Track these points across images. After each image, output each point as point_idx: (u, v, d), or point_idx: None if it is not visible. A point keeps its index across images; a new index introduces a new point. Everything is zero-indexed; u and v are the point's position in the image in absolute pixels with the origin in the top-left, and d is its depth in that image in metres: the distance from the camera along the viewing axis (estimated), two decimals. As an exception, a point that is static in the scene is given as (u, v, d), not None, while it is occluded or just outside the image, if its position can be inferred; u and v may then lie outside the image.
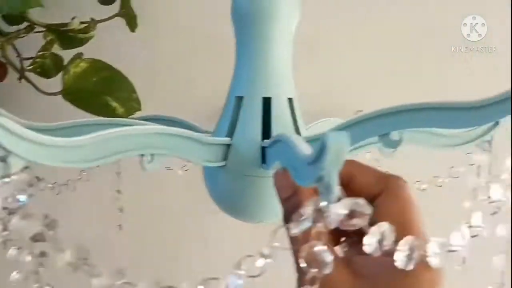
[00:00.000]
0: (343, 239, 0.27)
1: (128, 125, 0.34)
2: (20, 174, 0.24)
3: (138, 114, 0.54)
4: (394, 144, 0.35)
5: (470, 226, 0.26)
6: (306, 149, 0.24)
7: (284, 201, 0.29)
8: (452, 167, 0.48)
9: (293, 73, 0.42)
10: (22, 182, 0.23)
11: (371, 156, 0.55)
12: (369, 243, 0.21)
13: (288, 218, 0.27)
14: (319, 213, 0.20)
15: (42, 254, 0.25)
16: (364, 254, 0.23)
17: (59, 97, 0.51)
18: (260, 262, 0.21)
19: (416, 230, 0.26)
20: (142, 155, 0.31)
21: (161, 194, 0.68)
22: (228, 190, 0.39)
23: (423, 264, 0.23)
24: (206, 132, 0.44)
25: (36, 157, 0.24)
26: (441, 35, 0.60)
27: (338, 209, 0.20)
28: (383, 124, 0.34)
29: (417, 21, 0.60)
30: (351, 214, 0.20)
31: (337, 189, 0.21)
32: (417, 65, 0.61)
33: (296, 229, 0.20)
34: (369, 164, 0.31)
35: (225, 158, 0.38)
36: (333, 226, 0.20)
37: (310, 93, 0.62)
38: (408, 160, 0.61)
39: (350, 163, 0.27)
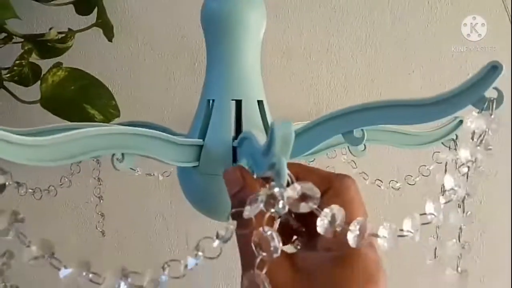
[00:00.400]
0: (294, 237, 0.29)
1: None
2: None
3: (116, 120, 0.55)
4: (358, 141, 0.37)
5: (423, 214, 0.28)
6: (263, 141, 0.26)
7: (233, 196, 0.30)
8: (423, 165, 0.51)
9: (268, 78, 0.44)
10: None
11: (348, 157, 0.57)
12: (321, 224, 0.22)
13: (235, 214, 0.28)
14: (272, 198, 0.21)
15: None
16: (310, 249, 0.25)
17: (37, 106, 0.52)
18: (216, 244, 0.23)
19: None
20: (113, 154, 0.32)
21: (142, 199, 0.69)
22: (201, 189, 0.41)
23: (361, 255, 0.25)
24: (181, 135, 0.46)
25: (4, 155, 0.25)
26: (411, 42, 0.63)
27: (290, 193, 0.21)
28: (345, 122, 0.36)
29: (388, 28, 0.63)
30: (302, 198, 0.21)
31: (286, 174, 0.22)
32: (388, 72, 0.64)
33: (248, 213, 0.22)
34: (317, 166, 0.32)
35: (197, 158, 0.39)
36: (285, 210, 0.22)
37: (285, 98, 0.64)
38: (383, 161, 0.64)
39: (295, 166, 0.28)
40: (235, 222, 0.23)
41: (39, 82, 0.52)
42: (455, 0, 0.62)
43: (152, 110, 0.67)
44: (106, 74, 0.66)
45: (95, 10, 0.57)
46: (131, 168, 0.59)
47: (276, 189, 0.21)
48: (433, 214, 0.29)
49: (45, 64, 0.55)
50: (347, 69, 0.64)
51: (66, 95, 0.53)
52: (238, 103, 0.41)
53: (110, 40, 0.57)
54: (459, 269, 0.43)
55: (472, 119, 0.32)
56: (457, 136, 0.48)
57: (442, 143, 0.48)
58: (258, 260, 0.21)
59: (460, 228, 0.42)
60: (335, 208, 0.23)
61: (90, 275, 0.22)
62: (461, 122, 0.47)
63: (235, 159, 0.39)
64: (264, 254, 0.21)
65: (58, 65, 0.54)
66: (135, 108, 0.66)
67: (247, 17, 0.41)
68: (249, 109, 0.41)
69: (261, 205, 0.21)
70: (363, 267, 0.25)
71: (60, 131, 0.40)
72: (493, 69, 0.30)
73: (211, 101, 0.41)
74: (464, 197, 0.36)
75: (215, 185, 0.40)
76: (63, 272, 0.22)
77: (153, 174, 0.62)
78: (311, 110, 0.64)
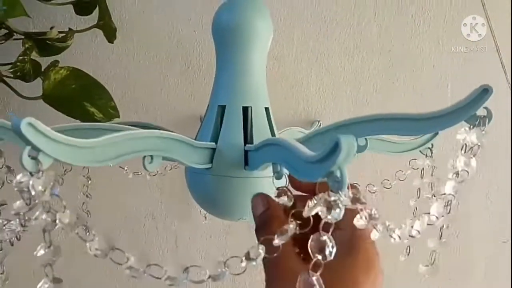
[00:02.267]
0: None
1: (118, 130, 0.38)
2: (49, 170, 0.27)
3: (116, 120, 0.57)
4: (362, 149, 0.41)
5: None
6: (306, 150, 0.29)
7: (258, 216, 0.35)
8: (399, 171, 0.55)
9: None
10: (51, 177, 0.26)
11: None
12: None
13: (259, 230, 0.34)
14: (330, 204, 0.25)
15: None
16: None
17: (32, 102, 0.53)
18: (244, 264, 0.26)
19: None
20: (145, 156, 0.34)
21: (132, 198, 0.71)
22: (213, 190, 0.43)
23: (364, 248, 0.30)
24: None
25: (61, 156, 0.27)
26: (395, 52, 0.68)
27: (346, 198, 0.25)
28: (353, 131, 0.40)
29: (374, 39, 0.67)
30: (354, 201, 0.25)
31: (347, 183, 0.25)
32: (374, 79, 0.68)
33: (278, 242, 0.25)
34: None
35: (210, 161, 0.42)
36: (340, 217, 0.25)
37: (276, 103, 0.67)
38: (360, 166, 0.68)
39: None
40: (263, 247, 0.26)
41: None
42: (437, 15, 0.67)
43: (145, 111, 0.68)
44: (101, 74, 0.66)
45: (94, 11, 0.58)
46: (120, 167, 0.61)
47: (335, 196, 0.24)
48: (435, 216, 0.33)
49: (41, 62, 0.56)
50: (335, 76, 0.68)
51: (67, 93, 0.54)
52: (245, 109, 0.44)
53: (111, 42, 0.59)
54: (433, 262, 0.47)
55: (464, 133, 0.36)
56: (432, 145, 0.52)
57: (420, 151, 0.52)
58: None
59: (442, 227, 0.47)
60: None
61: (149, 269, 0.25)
62: (437, 133, 0.52)
63: (246, 162, 0.42)
64: (320, 257, 0.24)
65: (55, 63, 0.55)
66: (129, 108, 0.67)
67: (256, 28, 0.44)
68: (257, 116, 0.44)
69: (322, 210, 0.24)
70: (366, 257, 0.31)
71: (84, 130, 0.42)
72: (484, 91, 0.34)
73: (221, 107, 0.44)
74: (450, 200, 0.41)
75: (226, 186, 0.42)
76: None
77: (141, 173, 0.64)
78: (301, 114, 0.68)
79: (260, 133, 0.43)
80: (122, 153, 0.32)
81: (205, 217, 0.67)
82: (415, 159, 0.53)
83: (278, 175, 0.35)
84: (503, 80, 0.65)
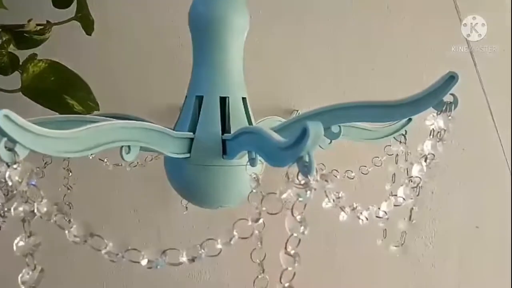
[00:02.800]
0: None
1: (96, 121, 0.38)
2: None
3: (96, 113, 0.57)
4: (335, 136, 0.43)
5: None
6: (278, 137, 0.30)
7: None
8: (376, 157, 0.57)
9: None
10: (27, 168, 0.27)
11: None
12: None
13: None
14: (300, 187, 0.26)
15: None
16: None
17: (11, 95, 0.53)
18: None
19: None
20: (122, 147, 0.35)
21: (113, 191, 0.71)
22: (191, 179, 0.44)
23: None
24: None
25: (37, 147, 0.28)
26: (372, 43, 0.69)
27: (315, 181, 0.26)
28: (326, 119, 0.41)
29: (352, 31, 0.69)
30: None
31: (314, 167, 0.26)
32: (352, 70, 0.70)
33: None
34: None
35: (189, 150, 0.43)
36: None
37: (256, 95, 0.68)
38: (339, 153, 0.70)
39: None
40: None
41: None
42: (411, 6, 0.69)
43: (126, 104, 0.68)
44: (80, 67, 0.66)
45: (72, 4, 0.58)
46: (99, 159, 0.61)
47: (305, 179, 0.26)
48: (402, 197, 0.35)
49: (19, 55, 0.56)
50: (314, 67, 0.69)
51: (46, 85, 0.54)
52: (223, 100, 0.45)
53: (89, 34, 0.59)
54: (403, 243, 0.49)
55: (431, 118, 0.38)
56: (406, 132, 0.54)
57: (394, 137, 0.54)
58: None
59: (412, 209, 0.48)
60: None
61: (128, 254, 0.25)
62: (410, 119, 0.54)
63: (224, 151, 0.43)
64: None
65: (33, 56, 0.55)
66: (109, 101, 0.67)
67: (233, 19, 0.44)
68: (235, 106, 0.45)
69: (292, 193, 0.25)
70: None
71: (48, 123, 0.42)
72: (451, 78, 0.36)
73: (199, 97, 0.45)
74: (419, 183, 0.42)
75: (205, 175, 0.43)
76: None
77: (121, 165, 0.64)
78: (281, 105, 0.69)
79: (238, 123, 0.44)
80: (99, 144, 0.33)
81: (186, 208, 0.68)
82: (390, 145, 0.55)
83: (252, 162, 0.37)
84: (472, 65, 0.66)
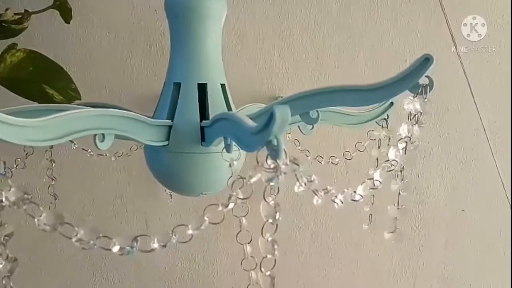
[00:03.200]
0: None
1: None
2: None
3: (78, 102, 0.56)
4: (313, 121, 0.42)
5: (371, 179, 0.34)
6: (250, 122, 0.30)
7: None
8: (359, 142, 0.57)
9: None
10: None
11: (292, 136, 0.63)
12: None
13: None
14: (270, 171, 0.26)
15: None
16: None
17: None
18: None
19: None
20: (95, 135, 0.35)
21: (100, 181, 0.71)
22: (171, 167, 0.44)
23: None
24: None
25: (2, 135, 0.27)
26: (355, 29, 0.69)
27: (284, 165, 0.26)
28: (303, 104, 0.41)
29: (335, 16, 0.68)
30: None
31: (283, 150, 0.26)
32: (335, 56, 0.69)
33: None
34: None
35: (167, 138, 0.42)
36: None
37: (239, 81, 0.68)
38: (323, 139, 0.70)
39: None
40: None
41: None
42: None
43: (109, 93, 0.68)
44: (61, 56, 0.66)
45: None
46: (83, 149, 0.61)
47: (274, 163, 0.25)
48: (379, 181, 0.35)
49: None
50: (297, 54, 0.69)
51: (24, 75, 0.53)
52: (202, 86, 0.44)
53: (67, 22, 0.58)
54: (396, 229, 0.50)
55: (408, 102, 0.38)
56: (388, 116, 0.54)
57: (376, 122, 0.54)
58: None
59: (399, 194, 0.48)
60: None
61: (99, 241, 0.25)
62: (391, 104, 0.54)
63: (203, 138, 0.42)
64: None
65: (13, 46, 0.54)
66: (91, 90, 0.67)
67: (209, 4, 0.44)
68: (213, 92, 0.44)
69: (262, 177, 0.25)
70: None
71: (33, 112, 0.42)
72: (426, 60, 0.35)
73: (177, 84, 0.44)
74: (403, 167, 0.43)
75: (183, 163, 0.43)
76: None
77: (105, 155, 0.64)
78: (265, 93, 0.68)
79: (217, 110, 0.44)
80: (70, 132, 0.32)
81: (170, 196, 0.68)
82: (373, 130, 0.55)
83: (228, 148, 0.36)
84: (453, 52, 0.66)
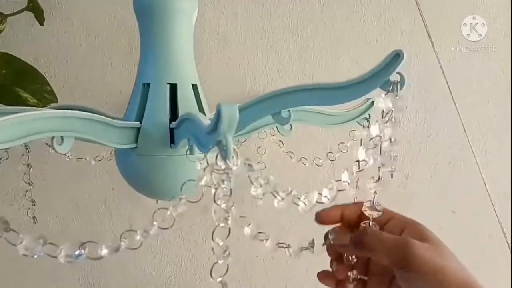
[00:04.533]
0: None
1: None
2: None
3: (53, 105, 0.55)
4: (285, 121, 0.41)
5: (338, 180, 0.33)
6: (206, 122, 0.29)
7: None
8: (341, 143, 0.56)
9: (205, 63, 0.46)
10: None
11: (276, 138, 0.62)
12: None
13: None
14: (220, 173, 0.24)
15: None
16: None
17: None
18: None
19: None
20: (53, 137, 0.33)
21: (83, 186, 0.70)
22: (140, 170, 0.43)
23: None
24: (118, 119, 0.47)
25: None
26: (338, 28, 0.68)
27: (234, 167, 0.24)
28: (273, 104, 0.39)
29: (318, 15, 0.67)
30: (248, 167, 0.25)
31: (232, 150, 0.25)
32: (319, 56, 0.68)
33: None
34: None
35: (135, 140, 0.41)
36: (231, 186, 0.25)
37: (222, 82, 0.67)
38: (309, 141, 0.68)
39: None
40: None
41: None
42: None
43: (89, 96, 0.67)
44: (41, 59, 0.65)
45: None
46: (61, 154, 0.60)
47: (224, 164, 0.24)
48: (347, 182, 0.33)
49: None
50: (280, 54, 0.67)
51: (-3, 79, 0.52)
52: (173, 87, 0.43)
53: (41, 24, 0.57)
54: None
55: (381, 99, 0.36)
56: (369, 115, 0.53)
57: (357, 122, 0.52)
58: None
59: (375, 192, 0.46)
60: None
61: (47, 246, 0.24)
62: (373, 103, 0.52)
63: (172, 140, 0.41)
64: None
65: (-11, 49, 0.53)
66: (72, 93, 0.66)
67: (179, 2, 0.43)
68: (184, 92, 0.43)
69: (214, 180, 0.24)
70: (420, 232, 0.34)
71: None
72: (396, 56, 0.34)
73: (146, 85, 0.43)
74: (379, 166, 0.41)
75: (153, 166, 0.42)
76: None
77: (85, 159, 0.63)
78: (249, 93, 0.67)
79: (188, 111, 0.43)
80: (27, 134, 0.31)
81: (157, 201, 0.67)
82: (355, 130, 0.54)
83: (190, 150, 0.35)
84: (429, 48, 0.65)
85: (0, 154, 0.53)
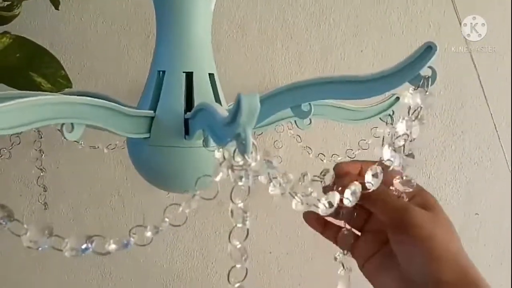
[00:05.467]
0: None
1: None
2: None
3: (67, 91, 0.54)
4: (305, 115, 0.39)
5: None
6: (224, 113, 0.27)
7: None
8: (362, 140, 0.53)
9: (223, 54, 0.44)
10: None
11: (294, 131, 0.60)
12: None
13: None
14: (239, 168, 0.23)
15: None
16: None
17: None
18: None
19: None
20: (62, 124, 0.32)
21: (97, 175, 0.69)
22: (153, 161, 0.41)
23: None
24: (132, 107, 0.46)
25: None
26: (363, 18, 0.65)
27: (252, 163, 0.23)
28: (294, 96, 0.37)
29: (341, 4, 0.64)
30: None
31: (251, 144, 0.23)
32: (341, 48, 0.65)
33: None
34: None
35: (148, 130, 0.40)
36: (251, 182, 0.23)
37: (240, 73, 0.65)
38: (328, 136, 0.66)
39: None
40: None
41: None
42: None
43: (105, 82, 0.66)
44: (58, 45, 0.64)
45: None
46: (74, 141, 0.59)
47: (242, 159, 0.22)
48: (370, 183, 0.31)
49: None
50: (301, 45, 0.65)
51: (10, 62, 0.51)
52: (189, 76, 0.41)
53: (56, 8, 0.56)
54: None
55: (408, 95, 0.34)
56: (393, 112, 0.50)
57: (380, 118, 0.50)
58: None
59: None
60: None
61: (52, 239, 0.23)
62: (397, 98, 0.50)
63: (187, 131, 0.39)
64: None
65: (6, 34, 0.52)
66: (88, 80, 0.65)
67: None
68: (200, 82, 0.41)
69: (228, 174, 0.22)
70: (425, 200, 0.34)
71: (5, 99, 0.39)
72: (428, 49, 0.31)
73: (161, 73, 0.41)
74: (403, 166, 0.38)
75: (166, 157, 0.40)
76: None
77: (98, 147, 0.62)
78: (267, 86, 0.65)
79: (204, 100, 0.41)
80: (35, 120, 0.30)
81: (168, 193, 0.65)
82: (377, 127, 0.51)
83: (206, 141, 0.33)
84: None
85: (12, 139, 0.52)
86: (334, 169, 0.35)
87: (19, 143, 0.52)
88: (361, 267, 0.37)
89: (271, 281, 0.72)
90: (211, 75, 0.42)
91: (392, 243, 0.33)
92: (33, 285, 0.71)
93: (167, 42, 0.41)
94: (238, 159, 0.23)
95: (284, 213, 0.67)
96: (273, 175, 0.24)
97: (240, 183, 0.24)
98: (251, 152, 0.23)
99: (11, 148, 0.52)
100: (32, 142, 0.56)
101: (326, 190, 0.35)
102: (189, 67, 0.41)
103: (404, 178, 0.33)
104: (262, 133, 0.64)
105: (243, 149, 0.23)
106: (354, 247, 0.37)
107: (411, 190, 0.34)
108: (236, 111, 0.23)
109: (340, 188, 0.30)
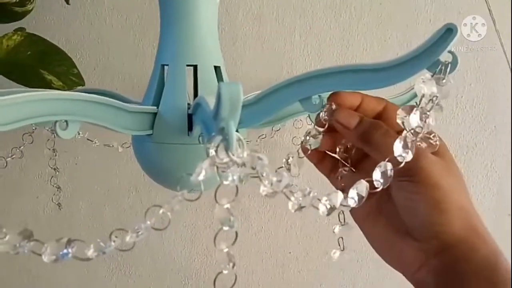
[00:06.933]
0: None
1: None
2: None
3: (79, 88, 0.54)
4: (315, 108, 0.36)
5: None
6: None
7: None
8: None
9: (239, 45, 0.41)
10: None
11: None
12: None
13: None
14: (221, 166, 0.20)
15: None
16: None
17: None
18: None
19: None
20: (56, 121, 0.31)
21: (114, 171, 0.68)
22: (156, 159, 0.39)
23: None
24: (136, 103, 0.44)
25: None
26: (386, 6, 0.61)
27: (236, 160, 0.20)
28: (303, 88, 0.35)
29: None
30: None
31: (234, 140, 0.21)
32: (364, 38, 0.62)
33: None
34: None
35: (151, 127, 0.38)
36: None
37: (257, 66, 0.63)
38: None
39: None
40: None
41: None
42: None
43: (121, 78, 0.65)
44: (73, 40, 0.64)
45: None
46: (88, 139, 0.58)
47: (225, 156, 0.20)
48: (379, 181, 0.28)
49: (4, 29, 0.53)
50: (321, 35, 0.62)
51: (21, 60, 0.51)
52: (195, 69, 0.40)
53: (67, 2, 0.55)
54: None
55: (421, 82, 0.31)
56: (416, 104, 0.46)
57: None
58: None
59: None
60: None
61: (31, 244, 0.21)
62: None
63: (190, 127, 0.38)
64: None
65: (20, 30, 0.52)
66: (103, 76, 0.64)
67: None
68: (205, 75, 0.39)
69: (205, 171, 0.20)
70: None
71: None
72: (448, 32, 0.28)
73: (165, 67, 0.40)
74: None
75: (170, 154, 0.39)
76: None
77: (112, 146, 0.61)
78: (284, 78, 0.62)
79: (209, 95, 0.39)
80: (27, 117, 0.29)
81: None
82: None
83: (201, 138, 0.31)
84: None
85: (25, 138, 0.52)
86: (331, 96, 0.33)
87: (31, 142, 0.52)
88: (351, 210, 0.33)
89: (291, 281, 0.70)
90: (217, 68, 0.40)
91: (395, 188, 0.30)
92: (54, 279, 0.72)
93: (170, 34, 0.40)
94: (222, 156, 0.21)
95: (303, 213, 0.64)
96: (262, 173, 0.22)
97: (226, 182, 0.22)
98: (237, 149, 0.21)
99: (21, 148, 0.52)
100: (45, 140, 0.55)
101: (319, 124, 0.34)
102: (192, 59, 0.39)
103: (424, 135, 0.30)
104: (279, 128, 0.61)
105: (226, 145, 0.21)
106: (346, 186, 0.32)
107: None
108: (218, 104, 0.20)
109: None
